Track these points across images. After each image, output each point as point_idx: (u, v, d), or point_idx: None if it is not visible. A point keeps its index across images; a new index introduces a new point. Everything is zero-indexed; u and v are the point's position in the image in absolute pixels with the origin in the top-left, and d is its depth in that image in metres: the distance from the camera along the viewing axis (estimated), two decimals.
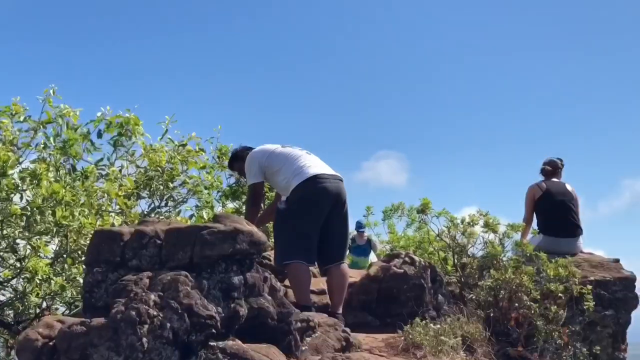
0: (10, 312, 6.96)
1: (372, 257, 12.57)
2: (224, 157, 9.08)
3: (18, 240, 6.73)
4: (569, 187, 8.39)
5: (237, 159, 6.53)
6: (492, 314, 6.57)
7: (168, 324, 4.08)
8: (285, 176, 5.94)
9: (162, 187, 8.39)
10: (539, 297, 6.65)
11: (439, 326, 5.69)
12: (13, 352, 6.30)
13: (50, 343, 4.33)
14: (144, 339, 4.01)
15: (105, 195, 7.44)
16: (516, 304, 6.61)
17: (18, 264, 6.76)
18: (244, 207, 7.87)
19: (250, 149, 6.38)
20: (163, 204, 8.77)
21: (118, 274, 4.64)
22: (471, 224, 7.35)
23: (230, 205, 9.15)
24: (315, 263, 5.94)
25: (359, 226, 12.62)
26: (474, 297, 6.88)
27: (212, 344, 4.23)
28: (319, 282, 6.58)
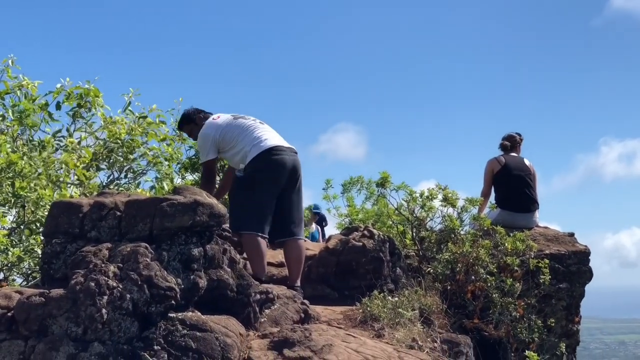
0: None
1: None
2: None
3: None
4: (527, 162, 8.41)
5: (188, 121, 6.34)
6: (449, 287, 6.62)
7: (128, 295, 4.01)
8: (241, 148, 5.78)
9: (121, 159, 8.24)
10: (495, 270, 6.72)
11: (396, 299, 5.71)
12: None
13: (9, 314, 4.25)
14: (104, 310, 3.94)
15: (64, 166, 7.32)
16: (473, 277, 6.66)
17: None
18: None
19: (201, 111, 6.25)
20: (122, 175, 8.63)
21: (77, 245, 4.56)
22: (430, 198, 7.33)
23: (190, 177, 9.04)
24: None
25: (315, 208, 12.72)
26: (431, 270, 6.91)
27: (171, 315, 4.16)
28: (277, 255, 6.53)
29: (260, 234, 5.52)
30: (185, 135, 7.39)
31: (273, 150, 5.61)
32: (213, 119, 5.99)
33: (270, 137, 5.76)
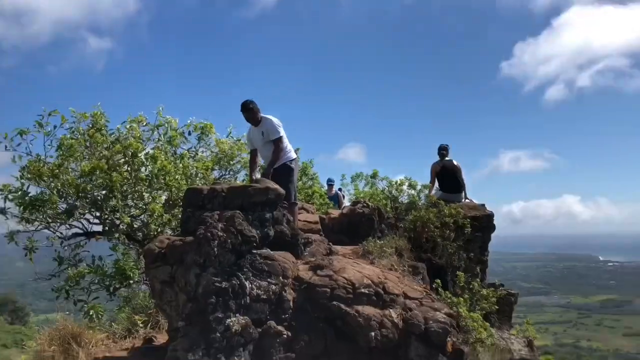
0: (140, 233, 8.98)
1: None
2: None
3: (144, 194, 8.90)
4: (455, 162, 11.63)
5: (255, 108, 7.97)
6: (412, 235, 9.33)
7: (228, 240, 5.89)
8: (286, 145, 8.03)
9: (226, 164, 10.82)
10: (439, 225, 9.41)
11: (382, 242, 8.09)
12: (141, 257, 7.95)
13: (163, 251, 6.19)
14: (215, 249, 5.81)
15: (195, 168, 9.73)
16: (426, 229, 9.41)
17: (144, 207, 8.95)
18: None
19: (252, 102, 7.95)
20: (227, 173, 11.12)
21: (200, 212, 6.36)
22: (401, 184, 10.48)
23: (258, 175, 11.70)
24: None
25: (329, 180, 15.62)
26: (402, 225, 9.70)
27: (254, 251, 6.07)
28: (315, 217, 8.83)
29: (297, 203, 7.80)
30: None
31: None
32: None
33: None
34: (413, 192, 10.36)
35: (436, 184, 11.64)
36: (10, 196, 8.60)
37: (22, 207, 8.51)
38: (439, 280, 8.07)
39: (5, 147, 8.88)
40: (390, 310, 6.35)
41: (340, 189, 15.70)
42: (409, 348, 6.21)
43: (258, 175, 8.25)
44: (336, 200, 15.39)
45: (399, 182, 10.42)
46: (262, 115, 8.07)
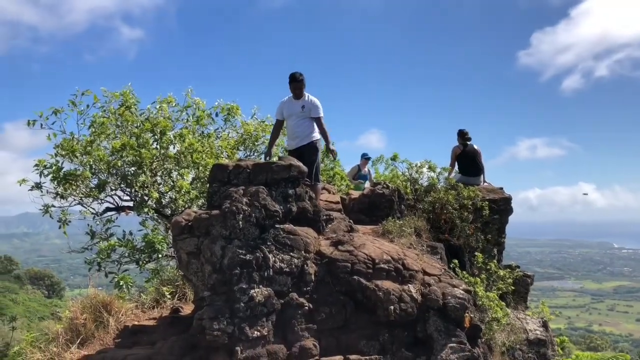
0: (168, 209, 9.12)
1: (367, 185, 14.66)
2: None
3: (172, 171, 8.97)
4: (475, 146, 11.50)
5: (304, 81, 7.68)
6: (431, 216, 9.20)
7: (253, 214, 5.92)
8: (314, 124, 7.80)
9: (251, 144, 10.76)
10: (458, 207, 9.22)
11: (401, 222, 7.94)
12: (169, 231, 8.01)
13: (190, 223, 6.17)
14: (240, 222, 5.85)
15: (220, 147, 9.73)
16: (444, 211, 9.24)
17: (172, 183, 9.02)
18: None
19: (302, 74, 7.63)
20: (252, 154, 11.06)
21: (225, 188, 6.40)
22: (421, 167, 10.13)
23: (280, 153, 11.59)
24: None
25: (364, 155, 14.63)
26: (421, 207, 9.47)
27: (277, 226, 6.09)
28: (336, 197, 8.78)
29: (320, 182, 7.73)
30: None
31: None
32: None
33: None
34: (432, 174, 10.21)
35: (456, 167, 11.52)
36: (45, 171, 8.71)
37: (56, 182, 8.61)
38: (456, 261, 8.00)
39: (41, 125, 8.99)
40: (409, 285, 6.30)
41: (367, 156, 14.95)
42: (428, 322, 6.16)
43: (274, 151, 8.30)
44: (367, 177, 14.76)
45: (418, 164, 10.30)
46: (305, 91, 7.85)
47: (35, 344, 7.06)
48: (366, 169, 14.73)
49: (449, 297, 6.25)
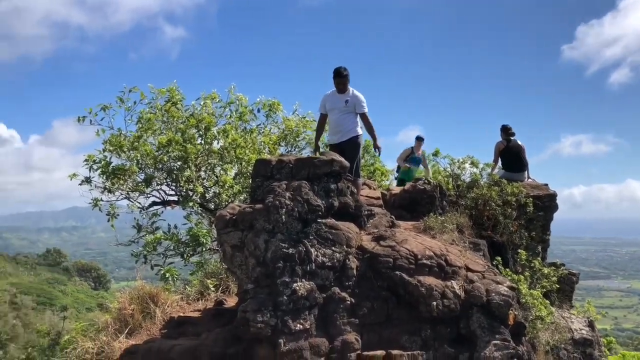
0: (212, 203, 9.29)
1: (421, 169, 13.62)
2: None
3: (216, 167, 9.13)
4: (519, 142, 11.25)
5: (347, 77, 7.65)
6: (473, 213, 9.07)
7: (295, 209, 5.95)
8: (357, 120, 7.78)
9: (292, 140, 10.80)
10: (501, 203, 9.10)
11: (443, 218, 7.82)
12: (214, 226, 7.92)
13: (234, 217, 6.26)
14: (283, 216, 5.90)
15: (262, 143, 9.82)
16: (487, 207, 9.14)
17: (215, 178, 9.18)
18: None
19: (347, 69, 7.58)
20: (293, 150, 11.16)
21: (268, 182, 6.43)
22: (463, 162, 10.05)
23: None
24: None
25: (419, 137, 13.46)
26: (463, 203, 9.35)
27: (319, 220, 6.11)
28: (377, 192, 8.74)
29: (361, 178, 7.71)
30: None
31: None
32: None
33: None
34: (475, 170, 9.99)
35: (499, 163, 11.30)
36: (94, 166, 8.97)
37: (105, 176, 8.86)
38: (499, 258, 7.86)
39: (90, 121, 9.26)
40: (452, 281, 6.24)
41: (422, 138, 13.63)
42: (471, 319, 6.10)
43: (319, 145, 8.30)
44: (419, 161, 13.51)
45: (461, 160, 10.08)
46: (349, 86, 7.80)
47: (85, 333, 7.30)
48: (420, 152, 13.48)
49: (493, 294, 6.17)
